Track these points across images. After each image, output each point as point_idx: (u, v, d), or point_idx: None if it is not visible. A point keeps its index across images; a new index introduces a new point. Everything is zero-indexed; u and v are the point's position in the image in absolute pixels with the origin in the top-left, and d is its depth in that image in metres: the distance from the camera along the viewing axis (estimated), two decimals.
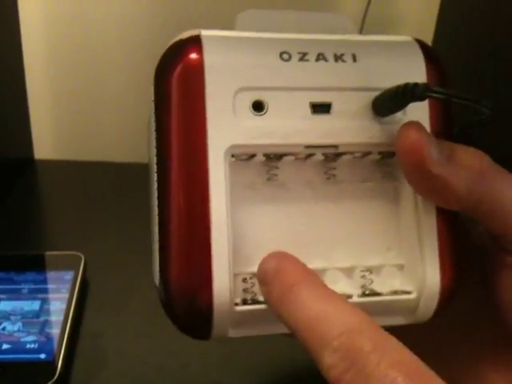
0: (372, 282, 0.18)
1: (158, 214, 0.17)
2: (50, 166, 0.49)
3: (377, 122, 0.18)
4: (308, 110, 0.18)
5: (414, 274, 0.18)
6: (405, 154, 0.17)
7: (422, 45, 0.19)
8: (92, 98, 0.50)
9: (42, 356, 0.27)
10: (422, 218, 0.18)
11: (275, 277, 0.17)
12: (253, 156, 0.18)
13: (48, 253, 0.35)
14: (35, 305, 0.31)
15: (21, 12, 0.45)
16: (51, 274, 0.33)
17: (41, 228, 0.41)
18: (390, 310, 0.18)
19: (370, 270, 0.19)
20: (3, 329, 0.29)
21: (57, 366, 0.27)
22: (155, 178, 0.17)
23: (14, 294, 0.31)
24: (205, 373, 0.28)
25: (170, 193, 0.17)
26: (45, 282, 0.33)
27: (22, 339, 0.28)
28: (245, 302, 0.17)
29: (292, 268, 0.17)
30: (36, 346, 0.28)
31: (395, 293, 0.18)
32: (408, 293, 0.18)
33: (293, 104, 0.17)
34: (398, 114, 0.18)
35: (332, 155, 0.18)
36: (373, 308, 0.18)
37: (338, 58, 0.18)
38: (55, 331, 0.29)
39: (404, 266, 0.19)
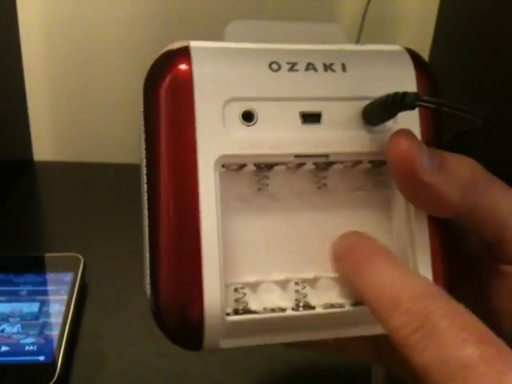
0: None
1: (148, 225, 0.17)
2: (50, 167, 0.49)
3: (367, 131, 0.18)
4: (298, 120, 0.18)
5: None
6: (396, 163, 0.17)
7: (412, 54, 0.19)
8: (91, 100, 0.51)
9: (41, 358, 0.28)
10: (414, 227, 0.18)
11: (350, 252, 0.18)
12: (243, 166, 0.18)
13: (47, 254, 0.35)
14: (34, 307, 0.31)
15: (20, 13, 0.45)
16: (50, 276, 0.33)
17: (40, 229, 0.41)
18: None
19: None
20: (2, 331, 0.29)
21: (56, 368, 0.27)
22: (145, 188, 0.18)
23: (13, 296, 0.32)
24: (204, 374, 0.29)
25: (160, 203, 0.17)
26: (44, 283, 0.33)
27: (21, 341, 0.29)
28: (236, 312, 0.17)
29: (365, 243, 0.18)
30: (35, 347, 0.28)
31: None
32: None
33: (283, 114, 0.17)
34: (389, 123, 0.18)
35: (323, 165, 0.18)
36: (365, 316, 0.18)
37: (327, 67, 0.18)
38: (54, 333, 0.29)
39: None
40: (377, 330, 0.19)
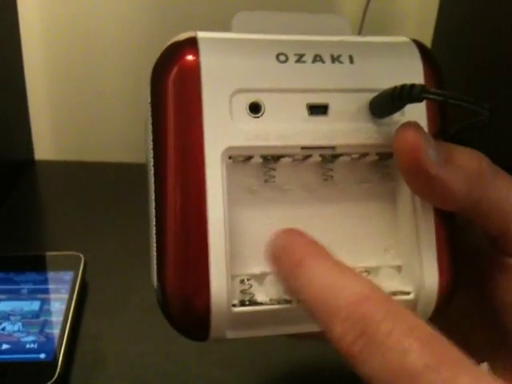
0: None
1: (156, 216, 0.17)
2: (50, 166, 0.49)
3: (374, 123, 0.18)
4: (305, 112, 0.18)
5: (412, 274, 0.18)
6: (402, 155, 0.17)
7: (420, 45, 0.19)
8: (92, 99, 0.50)
9: (42, 356, 0.28)
10: (420, 219, 0.18)
11: (282, 253, 0.16)
12: (250, 158, 0.18)
13: (48, 253, 0.35)
14: (35, 305, 0.31)
15: (20, 12, 0.45)
16: (51, 275, 0.33)
17: (41, 228, 0.41)
18: None
19: (368, 271, 0.19)
20: (3, 329, 0.29)
21: (56, 366, 0.27)
22: (152, 180, 0.17)
23: (14, 295, 0.32)
24: (204, 374, 0.28)
25: (167, 195, 0.17)
26: (44, 282, 0.33)
27: (22, 339, 0.28)
28: (242, 304, 0.17)
29: (300, 242, 0.16)
30: (36, 346, 0.28)
31: (393, 294, 0.18)
32: (406, 293, 0.18)
33: (289, 106, 0.17)
34: (396, 115, 0.18)
35: (329, 156, 0.18)
36: None
37: (334, 59, 0.18)
38: (55, 331, 0.29)
39: (402, 267, 0.19)
40: None
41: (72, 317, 0.30)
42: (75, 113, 0.51)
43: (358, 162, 0.19)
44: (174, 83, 0.17)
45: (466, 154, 0.18)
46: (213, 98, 0.17)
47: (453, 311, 0.19)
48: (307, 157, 0.18)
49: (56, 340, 0.28)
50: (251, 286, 0.17)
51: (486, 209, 0.18)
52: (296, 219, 0.18)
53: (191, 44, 0.17)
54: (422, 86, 0.16)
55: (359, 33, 0.25)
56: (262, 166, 0.18)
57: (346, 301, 0.14)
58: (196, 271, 0.16)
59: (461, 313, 0.20)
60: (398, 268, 0.19)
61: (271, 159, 0.18)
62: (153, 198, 0.17)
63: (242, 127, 0.17)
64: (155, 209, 0.17)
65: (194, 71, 0.17)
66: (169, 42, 0.18)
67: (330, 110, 0.18)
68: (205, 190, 0.17)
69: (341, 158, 0.18)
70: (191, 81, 0.17)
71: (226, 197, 0.17)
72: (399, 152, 0.17)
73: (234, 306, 0.17)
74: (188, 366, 0.29)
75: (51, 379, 0.26)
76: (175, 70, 0.17)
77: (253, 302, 0.17)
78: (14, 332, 0.29)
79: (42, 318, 0.30)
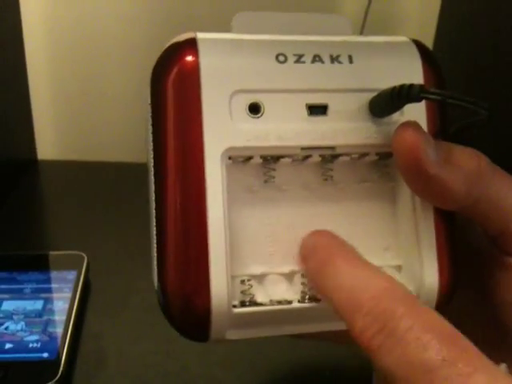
0: None
1: (156, 217, 0.17)
2: (53, 166, 0.49)
3: (374, 122, 0.18)
4: (304, 112, 0.18)
5: (412, 274, 0.18)
6: (402, 154, 0.17)
7: (419, 45, 0.19)
8: (94, 99, 0.51)
9: (45, 355, 0.28)
10: (420, 219, 0.18)
11: (312, 253, 0.17)
12: (250, 158, 0.18)
13: (51, 253, 0.35)
14: (38, 304, 0.31)
15: (23, 12, 0.45)
16: (54, 274, 0.33)
17: (44, 228, 0.41)
18: None
19: None
20: (6, 328, 0.29)
21: (59, 365, 0.27)
22: (153, 180, 0.18)
23: (17, 294, 0.32)
24: (205, 373, 0.28)
25: (168, 195, 0.17)
26: (47, 281, 0.33)
27: (25, 338, 0.29)
28: (243, 304, 0.17)
29: (327, 242, 0.17)
30: (39, 345, 0.28)
31: None
32: None
33: (289, 106, 0.18)
34: (396, 115, 0.18)
35: (329, 157, 0.18)
36: None
37: (334, 59, 0.18)
38: (58, 330, 0.29)
39: (402, 266, 0.19)
40: None
41: (75, 316, 0.30)
42: (77, 113, 0.51)
43: (357, 162, 0.19)
44: (173, 84, 0.17)
45: (466, 153, 0.18)
46: (212, 98, 0.17)
47: (453, 311, 0.19)
48: (307, 157, 0.18)
49: (59, 339, 0.29)
50: (251, 287, 0.17)
51: (485, 208, 0.18)
52: (296, 219, 0.18)
53: (191, 45, 0.17)
54: (420, 85, 0.16)
55: (361, 33, 0.25)
56: (261, 166, 0.18)
57: (368, 296, 0.15)
58: (196, 272, 0.16)
59: (461, 312, 0.20)
60: (398, 267, 0.19)
61: (271, 159, 0.18)
62: (153, 198, 0.17)
63: (241, 128, 0.17)
64: (155, 209, 0.17)
65: (194, 72, 0.17)
66: (168, 43, 0.18)
67: (330, 110, 0.18)
68: (205, 190, 0.17)
69: (340, 158, 0.18)
70: (191, 81, 0.17)
71: (226, 197, 0.17)
72: (398, 152, 0.17)
73: (235, 306, 0.17)
74: (189, 366, 0.29)
75: (54, 378, 0.27)
76: (175, 70, 0.17)
77: (253, 303, 0.17)
78: (17, 331, 0.29)
79: (45, 317, 0.30)
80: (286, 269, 0.18)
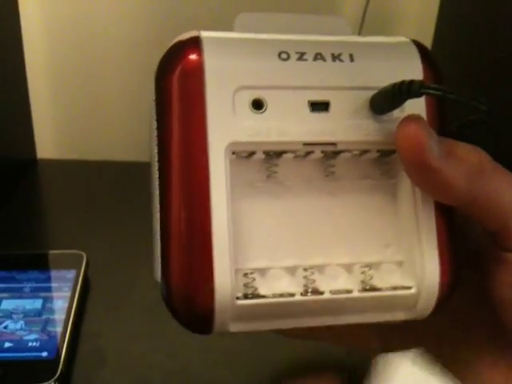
0: (371, 277, 0.18)
1: (160, 211, 0.17)
2: (53, 165, 0.49)
3: (375, 119, 0.18)
4: (307, 109, 0.18)
5: (413, 269, 0.19)
6: (405, 147, 0.17)
7: (419, 45, 0.19)
8: (94, 98, 0.51)
9: (44, 354, 0.28)
10: (421, 215, 0.18)
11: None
12: (252, 154, 0.18)
13: (50, 252, 0.36)
14: (37, 303, 0.31)
15: (22, 12, 0.45)
16: (53, 273, 0.34)
17: (43, 227, 0.41)
18: (391, 305, 0.19)
19: (369, 266, 0.19)
20: (5, 327, 0.29)
21: (59, 364, 0.27)
22: (156, 176, 0.18)
23: (17, 293, 0.32)
24: (205, 372, 0.29)
25: (172, 189, 0.17)
26: (47, 280, 0.33)
27: (24, 337, 0.29)
28: (246, 297, 0.17)
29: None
30: (38, 344, 0.28)
31: (395, 288, 0.18)
32: (408, 288, 0.18)
33: (291, 102, 0.18)
34: (396, 112, 0.18)
35: (331, 153, 0.18)
36: (373, 303, 0.18)
37: (335, 57, 0.18)
38: (57, 329, 0.29)
39: (403, 262, 0.19)
40: (384, 316, 0.19)
41: (74, 315, 0.30)
42: (77, 112, 0.51)
43: (359, 159, 0.19)
44: (178, 81, 0.17)
45: (467, 149, 0.18)
46: (216, 95, 0.17)
47: (453, 308, 0.19)
48: (309, 153, 0.18)
49: (58, 338, 0.29)
50: (254, 280, 0.18)
51: (485, 204, 0.18)
52: (298, 214, 0.18)
53: (195, 43, 0.17)
54: (420, 81, 0.17)
55: (359, 33, 0.25)
56: (264, 161, 0.18)
57: None
58: (200, 265, 0.16)
59: (461, 309, 0.20)
60: (399, 263, 0.19)
61: (273, 155, 0.18)
62: (157, 193, 0.18)
63: (244, 123, 0.17)
64: (159, 203, 0.17)
65: (198, 69, 0.17)
66: (173, 41, 0.18)
67: (332, 107, 0.18)
68: (208, 185, 0.17)
69: (342, 155, 0.19)
70: (195, 78, 0.17)
71: (230, 191, 0.17)
72: (401, 144, 0.17)
73: (238, 298, 0.17)
74: (189, 365, 0.29)
75: (53, 377, 0.27)
76: (180, 68, 0.17)
77: (256, 295, 0.17)
78: (17, 330, 0.29)
79: (44, 316, 0.30)
80: (289, 263, 0.18)
